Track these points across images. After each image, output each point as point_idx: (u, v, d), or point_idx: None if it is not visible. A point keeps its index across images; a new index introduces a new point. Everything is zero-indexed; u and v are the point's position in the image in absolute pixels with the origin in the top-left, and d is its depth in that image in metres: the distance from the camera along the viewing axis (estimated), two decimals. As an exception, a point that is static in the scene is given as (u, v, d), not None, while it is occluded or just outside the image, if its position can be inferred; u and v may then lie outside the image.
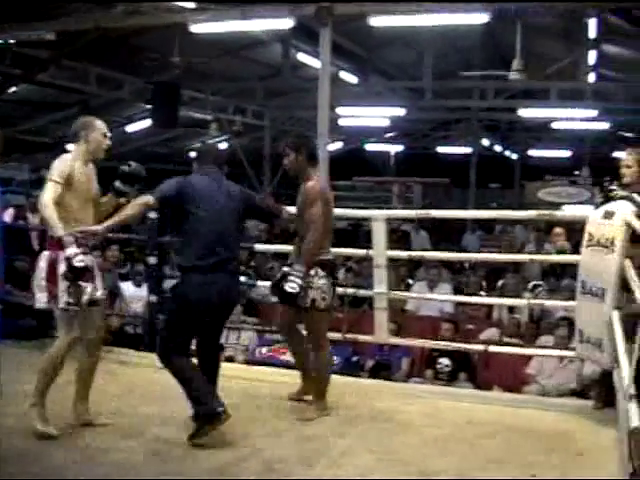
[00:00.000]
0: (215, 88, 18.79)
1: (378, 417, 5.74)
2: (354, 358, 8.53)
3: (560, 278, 11.36)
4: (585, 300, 5.58)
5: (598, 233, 5.48)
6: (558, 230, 11.60)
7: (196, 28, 11.52)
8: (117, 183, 5.39)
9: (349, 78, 18.41)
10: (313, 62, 14.87)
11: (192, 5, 11.65)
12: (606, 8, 10.23)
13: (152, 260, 7.81)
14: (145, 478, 4.39)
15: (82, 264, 4.77)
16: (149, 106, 16.76)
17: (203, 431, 4.91)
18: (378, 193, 24.29)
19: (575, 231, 8.32)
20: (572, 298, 6.24)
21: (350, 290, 7.81)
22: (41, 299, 5.06)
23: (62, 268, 4.84)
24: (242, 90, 19.65)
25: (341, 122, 19.99)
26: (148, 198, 5.03)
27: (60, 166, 5.01)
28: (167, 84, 15.90)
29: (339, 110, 18.21)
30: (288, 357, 7.66)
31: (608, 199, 5.79)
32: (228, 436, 5.04)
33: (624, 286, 5.05)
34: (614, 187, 5.88)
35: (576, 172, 24.63)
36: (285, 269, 5.68)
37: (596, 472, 4.65)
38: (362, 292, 7.68)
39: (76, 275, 4.81)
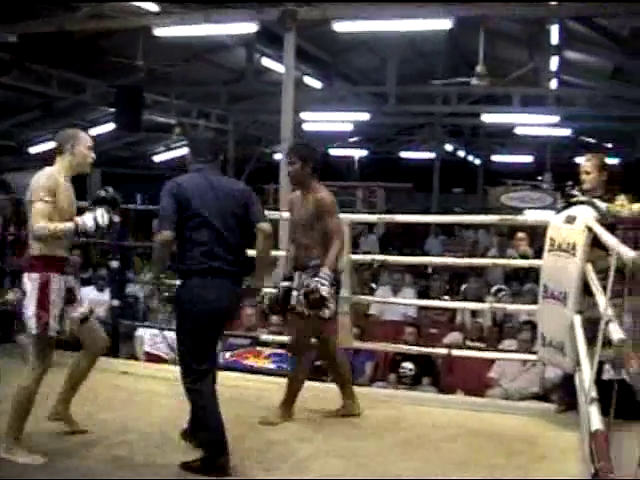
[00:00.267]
0: (179, 92, 18.69)
1: (342, 421, 5.74)
2: (318, 362, 8.51)
3: (523, 282, 11.46)
4: (547, 304, 5.62)
5: (560, 238, 5.53)
6: (521, 235, 11.70)
7: (160, 32, 11.47)
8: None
9: (313, 83, 18.45)
10: (277, 67, 14.86)
11: (156, 9, 11.61)
12: (568, 16, 10.30)
13: (115, 264, 7.75)
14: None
15: (107, 222, 4.88)
16: (112, 109, 16.63)
17: (209, 462, 4.57)
18: (342, 197, 24.23)
19: (538, 236, 8.39)
20: (535, 302, 6.30)
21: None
22: (32, 327, 4.77)
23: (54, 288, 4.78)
24: (206, 94, 19.59)
25: (305, 127, 19.98)
26: (167, 235, 4.65)
27: (46, 183, 4.74)
28: (130, 87, 15.78)
29: (303, 115, 18.21)
30: (252, 362, 7.65)
31: (570, 204, 5.85)
32: (187, 445, 5.01)
33: (586, 290, 5.10)
34: (575, 192, 5.95)
35: (538, 177, 24.80)
36: (309, 279, 5.49)
37: (558, 474, 4.69)
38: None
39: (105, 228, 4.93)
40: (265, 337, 7.93)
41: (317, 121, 19.80)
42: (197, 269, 4.69)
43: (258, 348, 8.00)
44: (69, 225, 4.73)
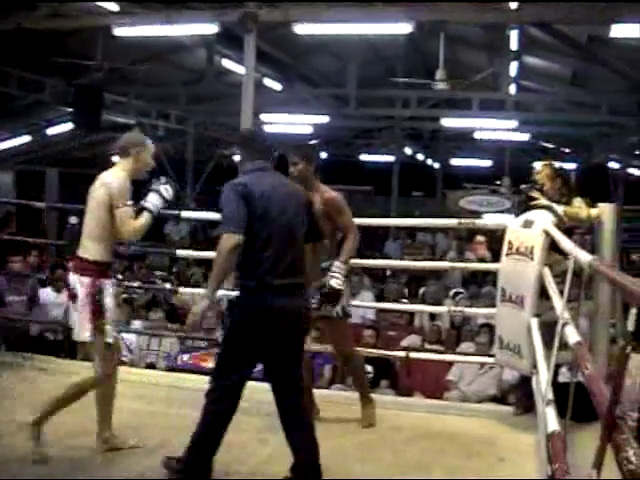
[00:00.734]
0: (138, 92, 18.58)
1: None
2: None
3: (481, 285, 11.54)
4: (505, 307, 5.66)
5: (518, 242, 5.57)
6: (479, 238, 11.80)
7: (120, 31, 11.39)
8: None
9: (273, 85, 18.42)
10: (237, 68, 14.82)
11: (116, 8, 11.53)
12: (527, 22, 10.40)
13: (72, 265, 7.68)
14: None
15: (171, 194, 4.95)
16: (71, 109, 16.48)
17: (185, 470, 4.41)
18: (301, 199, 24.29)
19: (496, 240, 8.46)
20: (492, 305, 6.34)
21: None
22: (82, 334, 4.74)
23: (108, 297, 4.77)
24: (165, 95, 19.48)
25: (265, 128, 19.95)
26: (237, 238, 4.16)
27: (125, 187, 4.75)
28: (90, 87, 15.65)
29: (263, 117, 18.19)
30: (210, 364, 7.60)
31: (528, 207, 5.91)
32: (149, 443, 4.98)
33: (543, 294, 5.14)
34: (535, 194, 6.01)
35: (497, 181, 24.99)
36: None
37: (516, 476, 4.73)
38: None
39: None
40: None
41: (277, 123, 19.76)
42: (259, 282, 4.25)
43: (216, 350, 7.96)
44: (146, 215, 4.81)
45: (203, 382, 6.26)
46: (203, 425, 4.44)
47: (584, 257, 3.37)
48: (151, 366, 8.32)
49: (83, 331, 4.73)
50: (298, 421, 4.54)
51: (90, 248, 4.74)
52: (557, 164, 6.40)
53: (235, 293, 4.81)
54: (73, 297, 4.76)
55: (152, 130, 19.87)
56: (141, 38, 12.04)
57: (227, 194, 4.28)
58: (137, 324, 9.51)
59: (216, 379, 4.50)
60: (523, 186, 6.29)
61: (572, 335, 3.32)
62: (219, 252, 4.23)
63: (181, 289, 8.71)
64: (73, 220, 6.85)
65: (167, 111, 20.07)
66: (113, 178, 4.77)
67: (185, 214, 8.44)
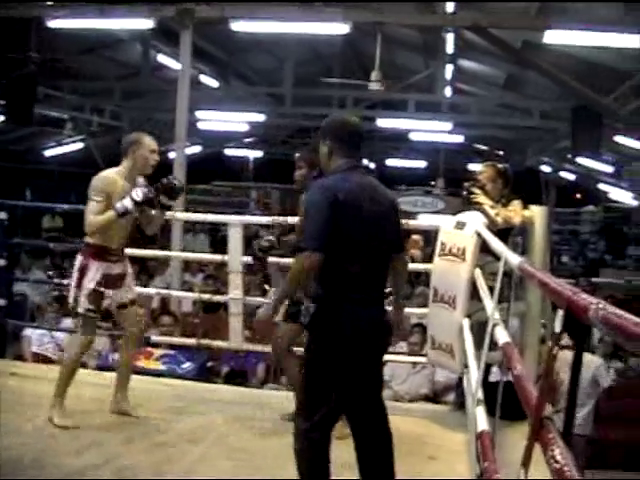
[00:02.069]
0: (72, 86, 18.30)
1: (235, 423, 5.71)
2: (209, 364, 8.47)
3: (414, 285, 11.62)
4: (437, 307, 5.71)
5: (450, 243, 5.63)
6: (415, 237, 11.91)
7: (54, 23, 11.23)
8: (163, 198, 5.54)
9: (210, 82, 18.34)
10: (173, 64, 14.73)
11: (49, 1, 11.37)
12: (463, 26, 10.51)
13: (1, 262, 7.56)
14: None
15: (141, 197, 5.22)
16: (2, 102, 16.17)
17: None
18: (236, 198, 24.23)
19: (432, 240, 8.54)
20: (425, 305, 6.40)
21: (205, 295, 7.80)
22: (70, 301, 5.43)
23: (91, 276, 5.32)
24: (100, 89, 19.22)
25: (200, 125, 19.85)
26: (317, 258, 3.70)
27: (99, 184, 5.27)
28: (22, 79, 15.36)
29: (199, 114, 18.09)
30: (142, 363, 7.54)
31: (469, 204, 6.00)
32: (79, 444, 4.92)
33: (474, 294, 5.20)
34: (477, 190, 6.08)
35: (432, 182, 25.21)
36: None
37: (446, 475, 4.79)
38: (217, 297, 7.66)
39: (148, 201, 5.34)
40: (156, 338, 7.83)
41: (213, 120, 19.69)
42: (343, 299, 3.82)
43: (149, 349, 7.89)
44: (109, 214, 5.19)
45: (134, 381, 6.24)
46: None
47: (514, 258, 3.42)
48: (82, 365, 8.20)
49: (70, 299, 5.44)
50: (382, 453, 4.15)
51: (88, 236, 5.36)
52: (501, 165, 6.48)
53: None
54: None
55: (86, 125, 19.63)
56: (76, 31, 11.89)
57: (314, 197, 3.87)
58: (68, 322, 9.37)
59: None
60: (466, 183, 6.35)
61: (501, 335, 3.37)
62: (296, 270, 3.79)
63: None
64: (2, 215, 6.73)
65: (101, 106, 19.80)
66: (99, 174, 5.34)
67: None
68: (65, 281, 10.18)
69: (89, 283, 5.32)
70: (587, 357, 7.27)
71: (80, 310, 5.36)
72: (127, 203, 5.21)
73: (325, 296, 3.83)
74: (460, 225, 5.64)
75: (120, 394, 5.71)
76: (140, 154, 5.41)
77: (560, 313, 1.98)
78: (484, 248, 5.24)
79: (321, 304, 3.82)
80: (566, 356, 6.09)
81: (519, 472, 2.13)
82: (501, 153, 25.38)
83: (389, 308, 4.27)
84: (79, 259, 5.39)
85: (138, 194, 5.24)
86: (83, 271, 5.34)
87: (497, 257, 4.31)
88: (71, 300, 5.42)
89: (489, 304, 4.10)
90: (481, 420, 3.29)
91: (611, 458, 7.68)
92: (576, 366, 1.96)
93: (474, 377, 4.11)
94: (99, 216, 5.19)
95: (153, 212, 5.68)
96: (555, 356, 2.01)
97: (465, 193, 6.19)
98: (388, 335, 4.05)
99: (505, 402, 3.73)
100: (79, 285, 5.34)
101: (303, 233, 3.96)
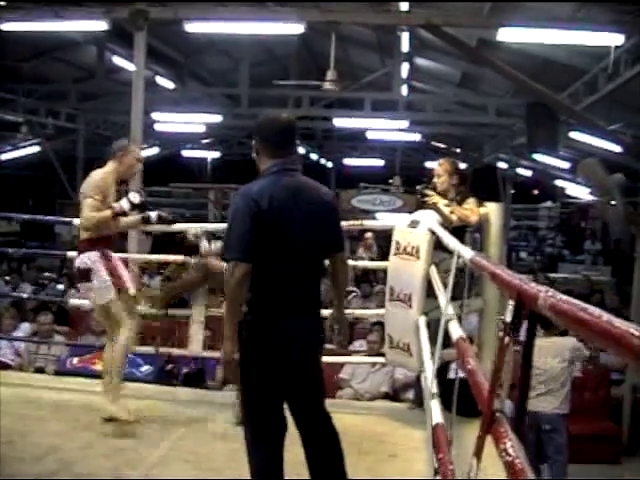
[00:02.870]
0: (27, 89, 18.10)
1: (192, 426, 5.69)
2: (168, 367, 8.41)
3: (372, 284, 11.66)
4: (394, 306, 5.72)
5: (405, 241, 5.64)
6: (367, 235, 12.01)
7: (7, 26, 11.10)
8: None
9: (166, 83, 18.25)
10: (128, 65, 14.63)
11: (2, 2, 11.22)
12: (417, 25, 10.55)
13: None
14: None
15: (138, 200, 5.70)
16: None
17: None
18: (194, 199, 24.13)
19: (389, 239, 8.57)
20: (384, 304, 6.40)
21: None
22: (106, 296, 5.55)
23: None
24: (55, 92, 19.03)
25: (157, 127, 19.75)
26: (244, 269, 3.62)
27: (96, 183, 5.57)
28: (-25, 83, 15.23)
29: (155, 115, 18.00)
30: (100, 367, 7.48)
31: (423, 204, 6.03)
32: (37, 450, 4.87)
33: (430, 292, 5.22)
34: (429, 192, 6.12)
35: (390, 180, 25.31)
36: None
37: (406, 472, 4.81)
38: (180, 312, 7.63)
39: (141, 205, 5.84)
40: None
41: (169, 122, 19.59)
42: (274, 306, 3.78)
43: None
44: (106, 212, 5.53)
45: (93, 385, 6.20)
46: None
47: (466, 252, 3.44)
48: (40, 370, 8.12)
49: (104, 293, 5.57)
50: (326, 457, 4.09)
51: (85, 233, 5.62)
52: (459, 163, 6.55)
53: None
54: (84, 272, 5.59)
55: (41, 128, 19.45)
56: (29, 33, 11.77)
57: (237, 206, 3.76)
58: (26, 327, 9.28)
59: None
60: (418, 187, 6.39)
61: (455, 331, 3.38)
62: (227, 284, 3.71)
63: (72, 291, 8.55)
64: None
65: (57, 109, 19.61)
66: (93, 175, 5.60)
67: (77, 222, 8.21)
68: (24, 294, 10.16)
69: (105, 275, 5.55)
70: (563, 340, 7.41)
71: (104, 302, 5.54)
72: (124, 204, 5.65)
73: (257, 304, 3.79)
74: (414, 224, 5.66)
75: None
76: (127, 161, 5.76)
77: (511, 303, 1.99)
78: (439, 245, 5.26)
79: (254, 313, 3.78)
80: (544, 344, 6.20)
81: (471, 463, 2.14)
82: (458, 150, 25.56)
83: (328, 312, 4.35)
84: (89, 255, 5.56)
85: (135, 197, 5.71)
86: (109, 261, 5.64)
87: (452, 254, 4.33)
88: (110, 295, 5.54)
89: (443, 300, 4.11)
90: (436, 413, 3.31)
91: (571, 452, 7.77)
92: (527, 355, 1.97)
93: (429, 372, 4.13)
94: (96, 213, 5.49)
95: (133, 217, 6.06)
96: (506, 347, 2.02)
97: (419, 196, 6.24)
98: (319, 344, 4.00)
99: (464, 399, 3.74)
100: (115, 275, 5.61)
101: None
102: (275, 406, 3.86)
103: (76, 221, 6.18)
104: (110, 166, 5.72)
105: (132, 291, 5.73)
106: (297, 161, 4.00)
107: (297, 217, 3.74)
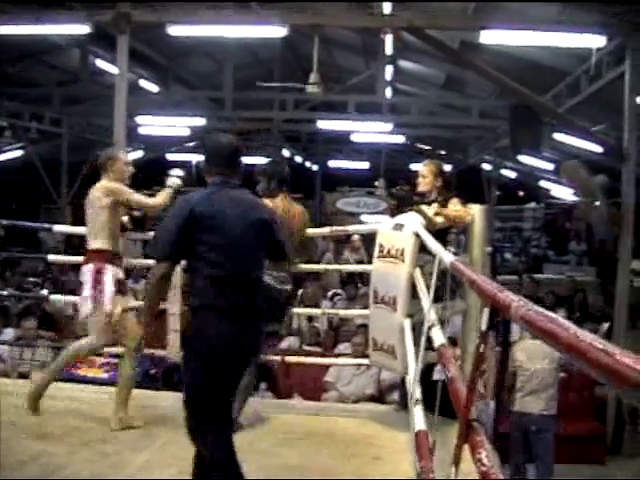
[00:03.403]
0: (10, 93, 18.02)
1: (177, 431, 5.66)
2: (152, 371, 8.41)
3: (358, 286, 11.68)
4: (378, 309, 5.73)
5: (389, 244, 5.65)
6: (354, 237, 12.02)
7: (-11, 30, 11.07)
8: None
9: (149, 86, 18.21)
10: (112, 69, 14.59)
11: (-16, 7, 11.18)
12: (400, 27, 10.56)
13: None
14: None
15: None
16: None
17: None
18: (180, 202, 24.06)
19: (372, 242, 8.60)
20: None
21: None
22: (85, 310, 5.63)
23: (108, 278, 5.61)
24: (39, 96, 18.95)
25: (142, 130, 19.69)
26: (165, 267, 4.00)
27: (115, 185, 5.79)
28: (-41, 87, 15.15)
29: (139, 119, 17.95)
30: (85, 372, 7.47)
31: (399, 207, 6.05)
32: (19, 455, 4.85)
33: (414, 294, 5.23)
34: (402, 192, 6.14)
35: (375, 182, 25.34)
36: None
37: (392, 474, 4.81)
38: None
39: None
40: (99, 346, 7.74)
41: (154, 125, 19.54)
42: (208, 304, 3.97)
43: (92, 357, 7.81)
44: (167, 191, 6.14)
45: (76, 390, 6.18)
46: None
47: (447, 257, 3.45)
48: (24, 376, 8.09)
49: (84, 308, 5.68)
50: None
51: (93, 241, 5.69)
52: (444, 165, 6.57)
53: None
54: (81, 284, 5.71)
55: (25, 132, 19.37)
56: (13, 37, 11.72)
57: (173, 211, 4.20)
58: (9, 332, 9.25)
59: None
60: (393, 190, 6.41)
61: (437, 337, 3.39)
62: (149, 281, 4.15)
63: (55, 296, 8.51)
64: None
65: (41, 113, 19.54)
66: (106, 185, 5.74)
67: (57, 228, 8.19)
68: (5, 292, 10.12)
69: (110, 286, 5.62)
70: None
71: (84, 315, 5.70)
72: (177, 180, 6.30)
73: (196, 304, 4.02)
74: (398, 227, 5.68)
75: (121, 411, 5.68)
76: (117, 167, 5.89)
77: (486, 310, 2.00)
78: (424, 248, 5.27)
79: (193, 313, 4.01)
80: (531, 345, 6.24)
81: (449, 472, 2.15)
82: (443, 152, 25.60)
83: None
84: (91, 267, 5.63)
85: (175, 181, 6.20)
86: (99, 276, 5.61)
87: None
88: (88, 309, 5.61)
89: (426, 303, 4.12)
90: (418, 420, 3.31)
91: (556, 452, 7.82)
92: (503, 360, 1.99)
93: (412, 378, 4.14)
94: (153, 198, 6.01)
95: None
96: (483, 355, 2.04)
97: (394, 202, 6.28)
98: (254, 343, 4.20)
99: (449, 401, 3.75)
100: (96, 288, 5.59)
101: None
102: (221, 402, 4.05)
103: (57, 227, 6.21)
104: (107, 178, 5.85)
105: (107, 308, 5.61)
106: (239, 177, 4.38)
107: (230, 224, 4.04)
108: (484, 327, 2.00)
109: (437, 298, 4.12)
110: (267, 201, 5.68)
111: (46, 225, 7.88)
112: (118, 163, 5.92)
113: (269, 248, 4.36)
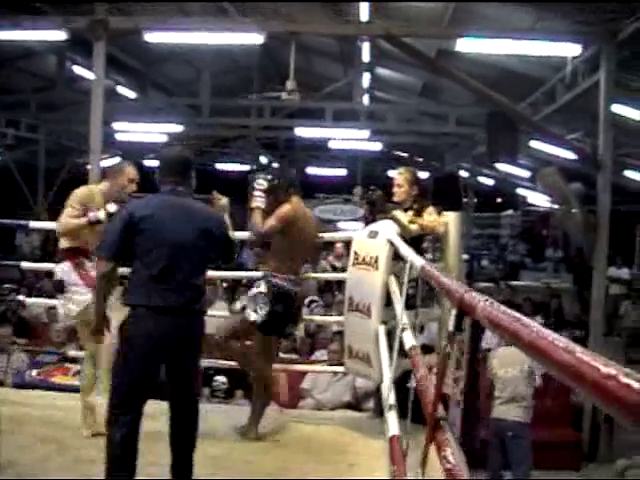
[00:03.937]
0: (-14, 100, 17.95)
1: (151, 438, 5.62)
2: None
3: (335, 294, 11.67)
4: (353, 316, 5.72)
5: (363, 252, 5.66)
6: (338, 245, 12.06)
7: (-35, 37, 11.01)
8: None
9: (127, 93, 18.17)
10: (89, 75, 14.54)
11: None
12: (376, 35, 10.59)
13: None
14: None
15: (114, 209, 5.52)
16: None
17: None
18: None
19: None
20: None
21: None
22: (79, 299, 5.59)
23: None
24: (15, 102, 18.86)
25: (119, 137, 19.64)
26: (105, 265, 4.31)
27: (79, 196, 5.69)
28: None
29: (116, 125, 17.91)
30: (60, 380, 7.42)
31: (372, 212, 6.07)
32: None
33: (388, 302, 5.24)
34: (374, 197, 6.14)
35: (354, 190, 25.39)
36: None
37: (361, 481, 4.80)
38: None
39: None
40: (73, 353, 7.70)
41: (131, 132, 19.49)
42: (138, 303, 4.19)
43: (66, 365, 7.77)
44: (82, 219, 5.58)
45: (52, 398, 6.14)
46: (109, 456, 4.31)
47: (417, 261, 3.46)
48: (-1, 383, 8.03)
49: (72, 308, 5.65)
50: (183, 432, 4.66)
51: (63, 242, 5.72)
52: (419, 172, 6.59)
53: None
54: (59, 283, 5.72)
55: (1, 138, 19.27)
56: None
57: (119, 214, 4.51)
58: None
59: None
60: (366, 195, 6.43)
61: (408, 340, 3.40)
62: (96, 277, 4.51)
63: (30, 300, 8.47)
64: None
65: (17, 119, 19.45)
66: (80, 188, 5.81)
67: (33, 224, 8.18)
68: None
69: (82, 285, 5.61)
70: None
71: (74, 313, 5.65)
72: (100, 214, 5.61)
73: (128, 302, 4.27)
74: (373, 234, 5.69)
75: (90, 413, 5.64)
76: (119, 181, 5.78)
77: (453, 312, 2.01)
78: (399, 255, 5.28)
79: (131, 310, 4.23)
80: (505, 353, 6.30)
81: (417, 472, 2.16)
82: (420, 159, 25.68)
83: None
84: (62, 267, 5.67)
85: (112, 206, 5.63)
86: (80, 267, 5.66)
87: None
88: (72, 309, 5.63)
89: (398, 309, 4.13)
90: (392, 425, 3.32)
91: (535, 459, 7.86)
92: (471, 362, 2.00)
93: (386, 384, 4.15)
94: (71, 220, 5.58)
95: None
96: (448, 356, 2.04)
97: (368, 207, 6.30)
98: (195, 342, 4.43)
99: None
100: (86, 279, 5.58)
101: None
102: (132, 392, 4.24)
103: (33, 224, 6.15)
104: (104, 184, 5.89)
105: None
106: (188, 186, 4.56)
107: (171, 228, 4.25)
108: (451, 328, 2.01)
109: (412, 305, 4.13)
110: (287, 205, 5.76)
111: (22, 222, 7.84)
112: (123, 177, 5.81)
113: (217, 251, 4.61)
